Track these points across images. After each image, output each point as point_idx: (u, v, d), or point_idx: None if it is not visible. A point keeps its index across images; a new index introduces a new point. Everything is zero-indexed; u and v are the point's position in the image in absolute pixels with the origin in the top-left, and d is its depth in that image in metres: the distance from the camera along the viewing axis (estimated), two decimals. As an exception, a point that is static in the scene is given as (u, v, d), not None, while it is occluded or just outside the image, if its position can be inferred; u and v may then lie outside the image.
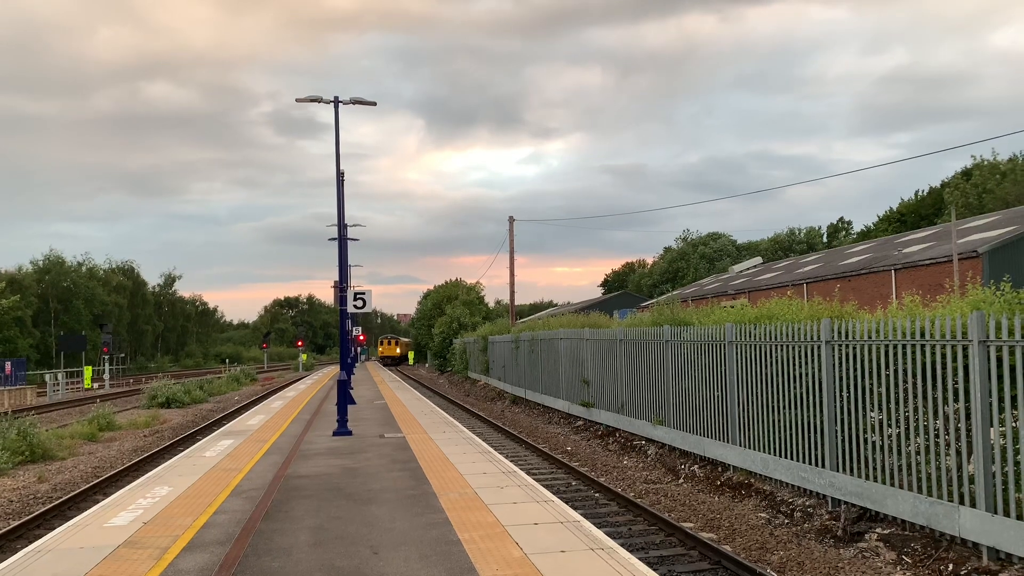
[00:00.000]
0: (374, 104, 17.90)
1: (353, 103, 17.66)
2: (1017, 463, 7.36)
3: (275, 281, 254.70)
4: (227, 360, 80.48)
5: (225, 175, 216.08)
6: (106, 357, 50.27)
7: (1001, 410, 7.58)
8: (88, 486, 13.75)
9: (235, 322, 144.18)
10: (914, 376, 8.66)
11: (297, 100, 17.44)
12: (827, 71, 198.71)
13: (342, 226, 19.44)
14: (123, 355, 69.32)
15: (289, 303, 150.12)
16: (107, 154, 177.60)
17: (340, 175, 18.02)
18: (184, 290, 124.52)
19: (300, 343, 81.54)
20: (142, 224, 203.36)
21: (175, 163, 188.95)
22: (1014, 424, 7.43)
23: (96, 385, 48.73)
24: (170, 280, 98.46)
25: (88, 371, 48.60)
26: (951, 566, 7.81)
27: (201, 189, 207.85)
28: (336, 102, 17.45)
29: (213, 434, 17.66)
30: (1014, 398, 7.39)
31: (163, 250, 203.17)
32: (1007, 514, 7.40)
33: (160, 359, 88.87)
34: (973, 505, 7.80)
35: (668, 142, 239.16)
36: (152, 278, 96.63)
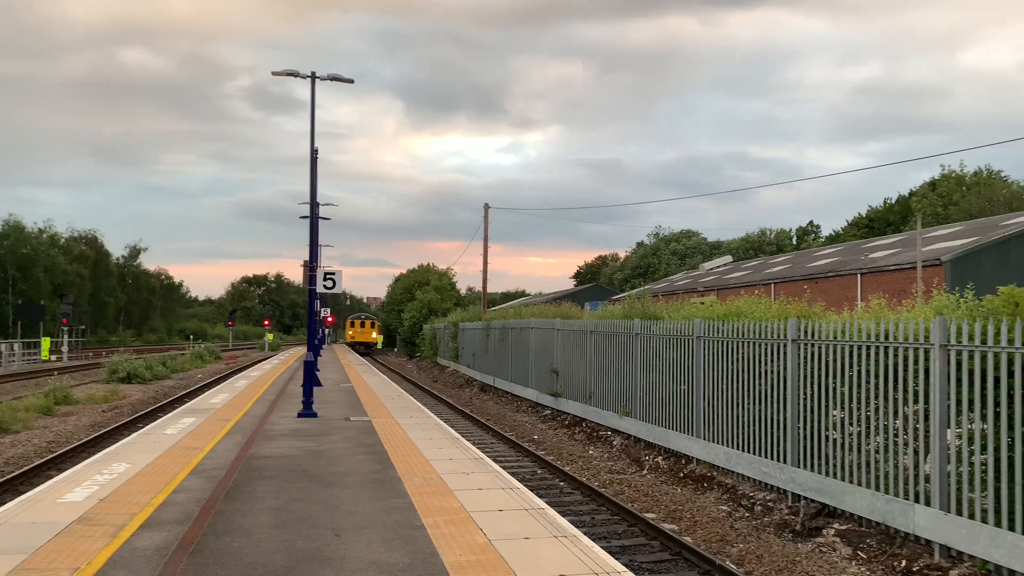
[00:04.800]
0: (351, 81, 17.71)
1: (330, 79, 17.44)
2: (971, 464, 7.53)
3: (244, 258, 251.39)
4: (191, 337, 79.37)
5: (198, 148, 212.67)
6: (65, 328, 49.19)
7: (958, 412, 7.73)
8: (42, 461, 13.49)
9: (201, 298, 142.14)
10: (876, 377, 8.81)
11: (274, 73, 17.18)
12: (803, 78, 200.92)
13: (314, 204, 19.21)
14: (83, 327, 67.94)
15: (257, 281, 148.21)
16: (78, 120, 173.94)
17: (314, 152, 17.80)
18: (150, 263, 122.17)
19: (267, 322, 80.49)
20: (111, 194, 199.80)
21: (148, 132, 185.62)
22: (970, 426, 7.59)
23: (54, 357, 47.74)
24: (135, 252, 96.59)
25: (46, 342, 47.53)
26: (904, 562, 7.97)
27: (173, 161, 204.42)
28: (313, 77, 17.22)
29: (175, 411, 17.42)
30: (971, 401, 7.54)
31: (131, 221, 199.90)
32: (960, 513, 7.57)
33: (122, 333, 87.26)
34: (928, 504, 7.96)
35: (645, 139, 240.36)
36: (118, 249, 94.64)
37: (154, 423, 15.33)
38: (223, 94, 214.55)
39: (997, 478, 7.17)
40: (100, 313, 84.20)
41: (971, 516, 7.45)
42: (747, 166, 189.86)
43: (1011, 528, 6.99)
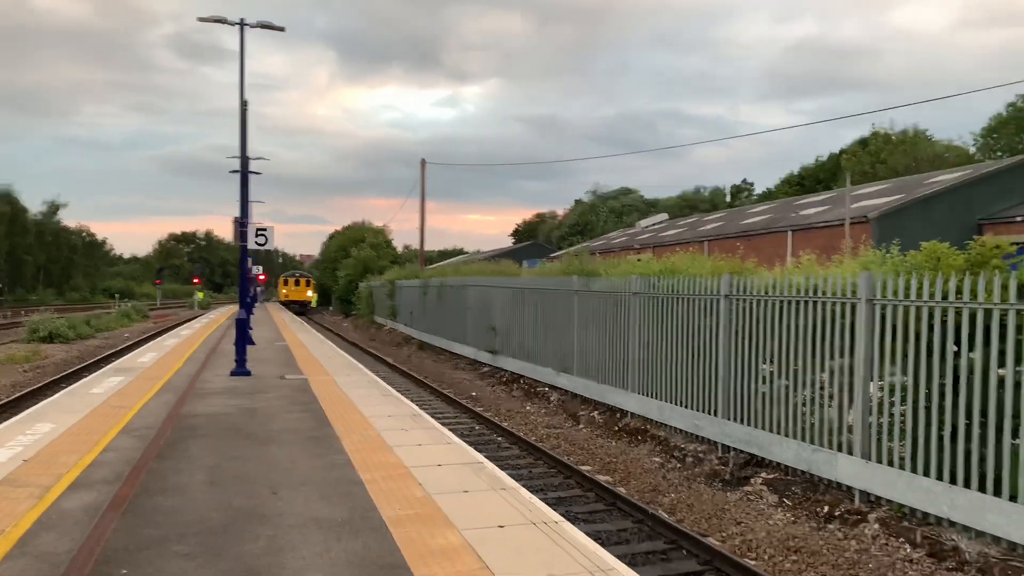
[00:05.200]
0: (282, 29, 17.07)
1: (260, 27, 16.78)
2: (891, 415, 7.88)
3: (171, 214, 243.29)
4: (117, 295, 76.61)
5: (120, 99, 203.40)
6: (-20, 288, 46.92)
7: (881, 365, 8.06)
8: (-39, 422, 12.93)
9: (126, 256, 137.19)
10: (805, 331, 9.09)
11: (199, 19, 16.43)
12: (739, 35, 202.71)
13: (245, 158, 18.61)
14: (0, 286, 65.02)
15: (186, 238, 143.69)
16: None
17: (244, 104, 17.18)
18: (70, 220, 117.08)
19: (197, 280, 78.17)
20: (26, 146, 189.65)
21: (65, 82, 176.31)
22: (891, 379, 7.93)
23: (-30, 317, 45.61)
24: (54, 208, 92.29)
25: (-40, 302, 45.34)
26: (827, 508, 8.35)
27: (93, 112, 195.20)
28: (242, 24, 16.53)
29: (101, 370, 16.88)
30: (894, 354, 7.87)
31: (49, 176, 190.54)
32: (879, 461, 7.95)
33: (42, 292, 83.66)
34: (850, 453, 8.32)
35: (584, 95, 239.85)
36: (36, 205, 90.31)
37: (79, 382, 14.82)
38: (145, 42, 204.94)
39: (915, 428, 7.53)
40: (17, 272, 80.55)
41: (890, 463, 7.83)
42: (683, 123, 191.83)
43: (925, 474, 7.38)
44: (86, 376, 17.11)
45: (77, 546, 5.61)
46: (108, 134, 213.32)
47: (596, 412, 14.11)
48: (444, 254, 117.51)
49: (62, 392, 13.59)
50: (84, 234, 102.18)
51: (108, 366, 18.06)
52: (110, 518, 6.24)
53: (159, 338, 28.23)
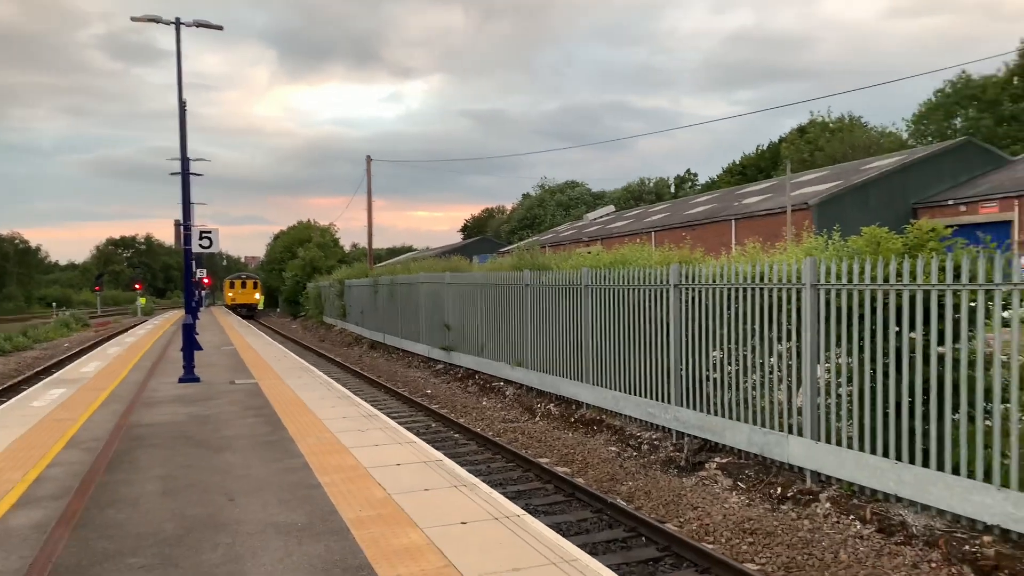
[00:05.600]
0: (220, 28, 16.70)
1: (197, 26, 16.38)
2: (839, 396, 8.12)
3: (109, 219, 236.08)
4: (54, 304, 74.22)
5: (49, 101, 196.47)
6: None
7: (827, 348, 8.29)
8: None
9: (63, 263, 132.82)
10: (753, 317, 9.30)
11: (133, 19, 15.94)
12: (680, 27, 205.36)
13: (185, 160, 18.18)
14: (-72, 298, 62.31)
15: (125, 243, 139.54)
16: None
17: (182, 105, 16.77)
18: (2, 227, 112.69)
19: (139, 286, 76.33)
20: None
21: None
22: (837, 361, 8.17)
23: None
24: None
25: None
26: (779, 489, 8.56)
27: (21, 116, 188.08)
28: (177, 24, 16.11)
29: (42, 382, 16.33)
30: (838, 337, 8.10)
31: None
32: (828, 441, 8.18)
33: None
34: (800, 434, 8.55)
35: (528, 90, 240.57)
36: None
37: (18, 396, 14.31)
38: (75, 42, 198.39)
39: (861, 408, 7.77)
40: (-54, 282, 77.31)
41: (838, 443, 8.07)
42: (627, 115, 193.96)
43: (872, 452, 7.62)
44: (25, 389, 16.55)
45: (27, 564, 5.43)
46: (38, 137, 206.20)
47: (552, 404, 14.21)
48: (393, 252, 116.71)
49: (1, 406, 13.11)
50: (16, 241, 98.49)
51: (49, 378, 17.49)
52: (60, 534, 6.06)
53: (102, 347, 27.42)
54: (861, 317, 7.79)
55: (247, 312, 61.66)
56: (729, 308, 9.71)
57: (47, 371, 22.40)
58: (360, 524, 6.20)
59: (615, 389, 12.24)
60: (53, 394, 13.98)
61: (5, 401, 14.52)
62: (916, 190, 33.10)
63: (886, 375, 7.50)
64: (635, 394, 11.70)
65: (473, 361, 18.59)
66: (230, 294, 65.16)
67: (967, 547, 6.54)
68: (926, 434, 7.10)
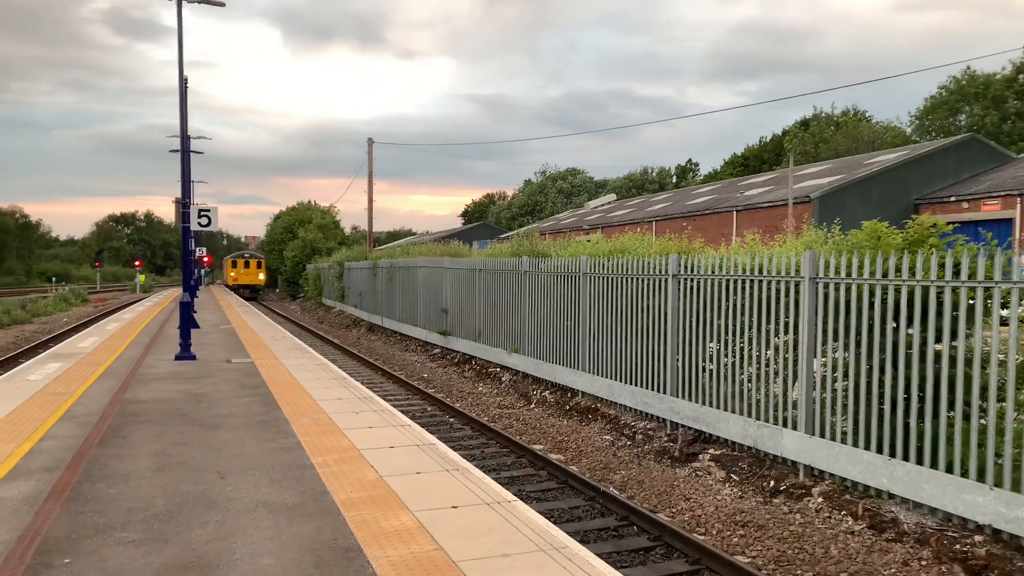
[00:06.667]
0: (223, 4, 16.59)
1: (199, 2, 16.27)
2: (835, 390, 8.11)
3: (109, 195, 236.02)
4: (54, 279, 74.21)
5: (51, 76, 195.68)
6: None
7: (824, 342, 8.27)
8: None
9: (63, 238, 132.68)
10: (751, 309, 9.27)
11: (136, -6, 15.83)
12: (685, 16, 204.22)
13: (185, 137, 18.11)
14: (-73, 270, 62.24)
15: (125, 219, 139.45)
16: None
17: (183, 81, 16.67)
18: (2, 200, 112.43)
19: (138, 263, 76.24)
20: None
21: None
22: (834, 355, 8.15)
23: None
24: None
25: None
26: (772, 482, 8.57)
27: (22, 89, 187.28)
28: None
29: (38, 356, 16.33)
30: (836, 331, 8.08)
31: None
32: (823, 435, 8.17)
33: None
34: (795, 428, 8.54)
35: (532, 75, 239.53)
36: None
37: (15, 369, 14.31)
38: (77, 17, 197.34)
39: (856, 403, 7.76)
40: (-55, 254, 77.25)
41: (832, 438, 8.06)
42: (631, 103, 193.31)
43: (867, 447, 7.61)
44: (23, 362, 16.54)
45: (16, 536, 5.43)
46: (39, 112, 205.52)
47: (547, 392, 14.21)
48: (393, 235, 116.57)
49: (-4, 379, 13.10)
50: (17, 215, 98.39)
51: (46, 352, 17.48)
52: (51, 506, 6.06)
53: (100, 322, 27.41)
54: (859, 312, 7.77)
55: (250, 293, 59.43)
56: (727, 299, 9.68)
57: (44, 345, 22.40)
58: (351, 505, 6.20)
59: (611, 378, 12.23)
60: (50, 368, 13.97)
61: (2, 374, 14.51)
62: (919, 186, 33.02)
63: (882, 371, 7.48)
64: (630, 383, 11.69)
65: (470, 346, 18.59)
66: (232, 273, 63.00)
67: (958, 546, 6.54)
68: (920, 431, 7.09)
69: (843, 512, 7.61)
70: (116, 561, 5.05)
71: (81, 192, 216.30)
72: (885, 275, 7.49)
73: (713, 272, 9.96)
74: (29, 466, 7.27)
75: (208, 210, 17.02)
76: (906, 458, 7.21)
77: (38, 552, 5.17)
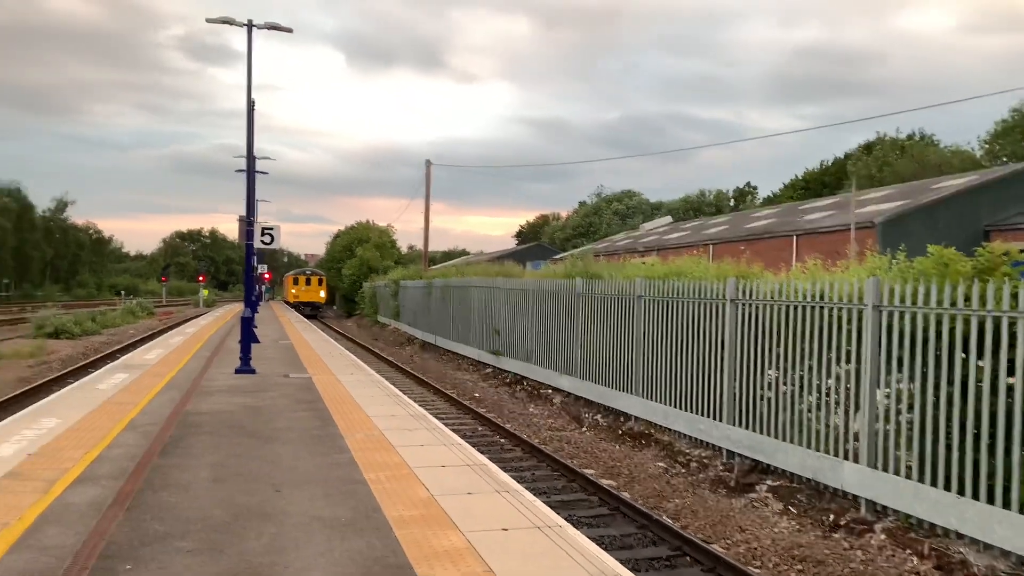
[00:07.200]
0: (290, 31, 17.12)
1: (268, 28, 16.82)
2: (898, 423, 7.83)
3: (177, 212, 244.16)
4: (123, 292, 76.88)
5: (129, 98, 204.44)
6: (-13, 283, 47.05)
7: (888, 371, 8.01)
8: (-34, 416, 12.95)
9: (132, 253, 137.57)
10: (811, 337, 9.05)
11: (208, 20, 16.47)
12: (746, 39, 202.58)
13: (251, 158, 18.65)
14: (6, 281, 65.21)
15: (191, 236, 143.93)
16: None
17: (251, 104, 17.21)
18: (78, 217, 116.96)
19: (202, 278, 78.40)
20: (34, 144, 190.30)
21: (74, 82, 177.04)
22: (898, 386, 7.89)
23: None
24: (62, 205, 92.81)
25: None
26: (832, 516, 8.30)
27: (102, 111, 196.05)
28: (250, 26, 16.56)
29: (107, 367, 16.92)
30: (900, 361, 7.82)
31: (57, 173, 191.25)
32: (886, 469, 7.89)
33: (48, 288, 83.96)
34: (856, 460, 8.27)
35: (589, 98, 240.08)
36: (44, 202, 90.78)
37: (85, 378, 14.86)
38: (154, 42, 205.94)
39: (922, 436, 7.48)
40: (24, 268, 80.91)
41: (896, 472, 7.78)
42: (689, 126, 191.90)
43: (933, 484, 7.32)
44: (92, 372, 17.15)
45: (81, 540, 5.60)
46: (116, 133, 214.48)
47: (599, 415, 14.08)
48: (448, 255, 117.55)
49: (68, 388, 13.62)
50: (91, 231, 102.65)
51: (114, 362, 18.10)
52: (114, 513, 6.24)
53: (164, 335, 28.27)
54: (925, 341, 7.51)
55: (310, 311, 57.45)
56: (787, 326, 9.48)
57: (112, 356, 23.18)
58: (402, 523, 6.22)
59: (665, 403, 12.06)
60: (117, 378, 14.44)
61: (73, 383, 15.07)
62: (989, 212, 31.88)
63: (950, 404, 7.20)
64: (685, 409, 11.50)
65: (522, 367, 18.57)
66: (292, 290, 62.27)
67: (1031, 589, 6.23)
68: (992, 469, 6.79)
69: (908, 551, 7.31)
70: (174, 569, 5.16)
71: (152, 209, 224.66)
72: (953, 304, 7.23)
73: (772, 298, 9.77)
74: (95, 473, 7.51)
75: (271, 228, 17.45)
76: (976, 497, 6.90)
77: (102, 556, 5.32)
